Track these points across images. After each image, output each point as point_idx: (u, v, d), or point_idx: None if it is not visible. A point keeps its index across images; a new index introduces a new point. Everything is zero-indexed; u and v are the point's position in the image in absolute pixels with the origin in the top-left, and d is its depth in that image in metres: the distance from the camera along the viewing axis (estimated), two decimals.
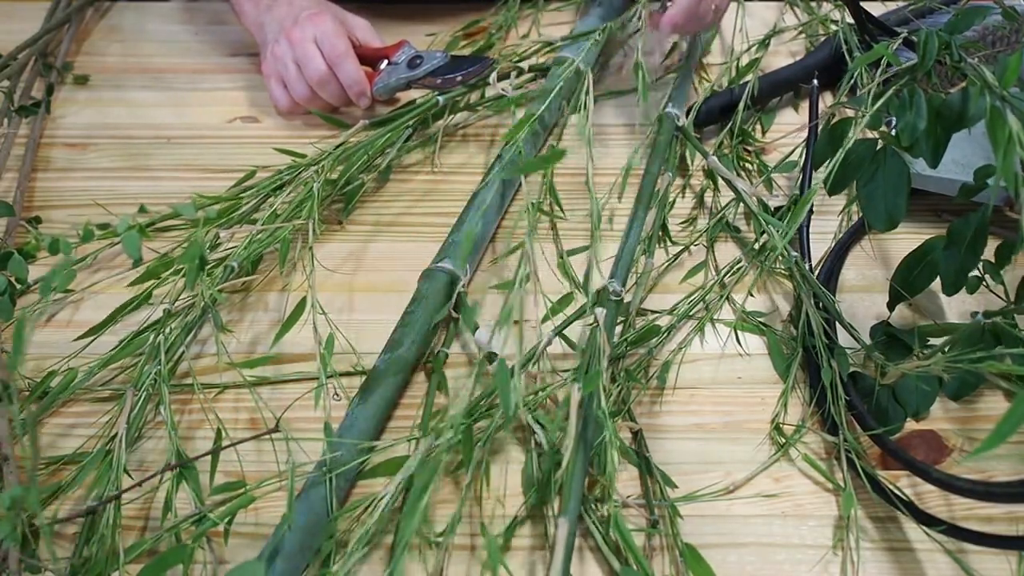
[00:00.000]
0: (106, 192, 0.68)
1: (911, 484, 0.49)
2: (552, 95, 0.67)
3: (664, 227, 0.62)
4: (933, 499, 0.49)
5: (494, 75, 0.71)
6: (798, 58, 0.77)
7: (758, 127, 0.73)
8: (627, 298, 0.57)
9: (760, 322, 0.57)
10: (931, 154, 0.48)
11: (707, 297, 0.58)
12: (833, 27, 0.78)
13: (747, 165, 0.69)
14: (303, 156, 0.66)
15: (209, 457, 0.47)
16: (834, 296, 0.58)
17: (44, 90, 0.75)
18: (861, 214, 0.63)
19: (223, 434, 0.49)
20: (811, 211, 0.62)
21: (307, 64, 0.69)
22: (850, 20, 0.71)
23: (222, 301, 0.55)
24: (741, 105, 0.70)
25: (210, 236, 0.60)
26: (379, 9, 0.84)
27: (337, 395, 0.54)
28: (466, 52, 0.80)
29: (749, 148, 0.70)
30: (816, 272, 0.60)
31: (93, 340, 0.56)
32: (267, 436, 0.50)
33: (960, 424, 0.52)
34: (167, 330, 0.54)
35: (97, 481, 0.47)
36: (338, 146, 0.66)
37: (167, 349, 0.53)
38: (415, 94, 0.73)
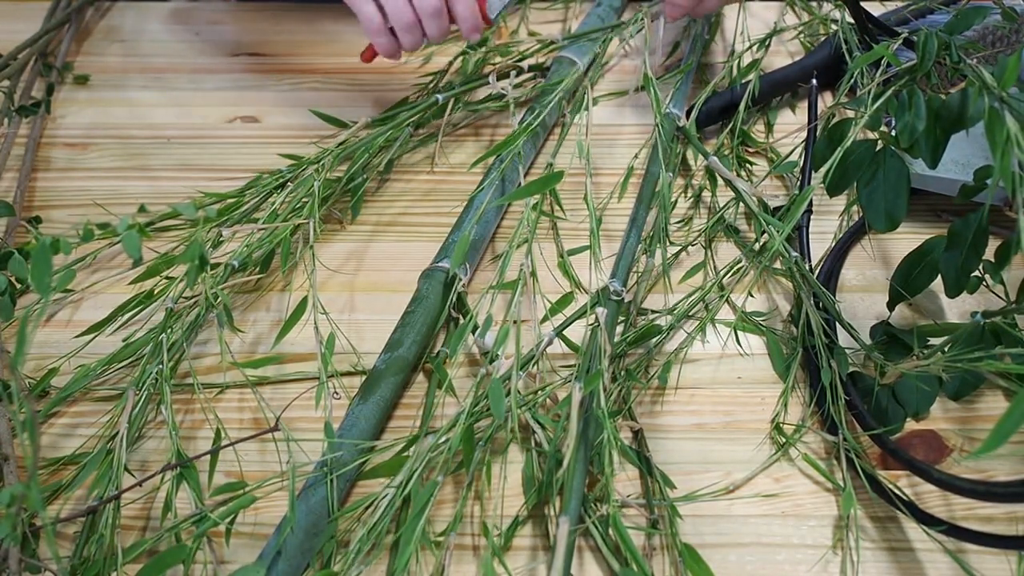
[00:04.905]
0: (106, 192, 0.68)
1: (911, 484, 0.49)
2: (552, 99, 0.67)
3: (665, 227, 0.62)
4: (933, 499, 0.49)
5: (493, 74, 0.71)
6: (798, 58, 0.77)
7: (758, 128, 0.73)
8: (627, 298, 0.57)
9: (759, 323, 0.57)
10: (930, 155, 0.48)
11: (707, 297, 0.58)
12: (833, 27, 0.78)
13: (748, 165, 0.69)
14: (302, 158, 0.66)
15: (212, 457, 0.47)
16: (834, 296, 0.58)
17: (44, 90, 0.75)
18: (861, 214, 0.63)
19: (224, 434, 0.49)
20: (811, 211, 0.62)
21: None
22: (850, 20, 0.72)
23: (227, 300, 0.56)
24: (742, 105, 0.70)
25: (212, 235, 0.60)
26: None
27: (336, 394, 0.54)
28: (455, 48, 0.80)
29: (750, 148, 0.70)
30: (816, 272, 0.60)
31: (95, 337, 0.56)
32: (268, 436, 0.51)
33: (960, 424, 0.52)
34: (169, 330, 0.54)
35: (98, 481, 0.47)
36: (340, 143, 0.66)
37: (168, 348, 0.53)
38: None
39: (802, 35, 0.82)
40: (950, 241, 0.49)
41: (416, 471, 0.46)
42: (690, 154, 0.70)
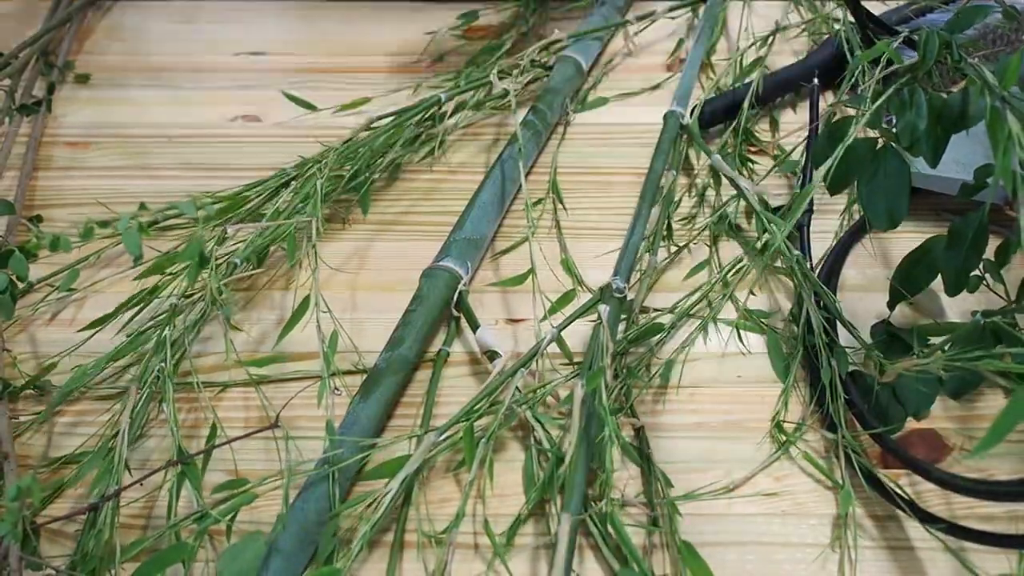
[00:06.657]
0: (107, 191, 0.68)
1: (911, 483, 0.49)
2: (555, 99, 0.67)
3: (668, 225, 0.62)
4: (933, 498, 0.49)
5: (494, 73, 0.71)
6: (800, 58, 0.77)
7: (759, 127, 0.73)
8: (630, 295, 0.57)
9: (760, 321, 0.57)
10: (931, 154, 0.48)
11: (709, 295, 0.58)
12: (836, 26, 0.78)
13: (751, 164, 0.69)
14: (305, 161, 0.66)
15: (217, 455, 0.47)
16: (835, 295, 0.58)
17: (45, 89, 0.75)
18: (862, 213, 0.63)
19: (223, 432, 0.49)
20: (812, 210, 0.62)
21: None
22: (852, 19, 0.71)
23: (229, 298, 0.56)
24: (745, 104, 0.70)
25: (217, 232, 0.60)
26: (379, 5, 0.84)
27: (337, 390, 0.54)
28: (455, 48, 0.80)
29: (753, 147, 0.70)
30: (817, 271, 0.60)
31: (95, 333, 0.56)
32: (268, 434, 0.51)
33: (960, 423, 0.52)
34: (173, 325, 0.54)
35: (98, 479, 0.47)
36: (347, 142, 0.66)
37: (172, 344, 0.53)
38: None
39: (805, 33, 0.81)
40: (950, 240, 0.49)
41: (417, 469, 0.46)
42: (692, 152, 0.70)
